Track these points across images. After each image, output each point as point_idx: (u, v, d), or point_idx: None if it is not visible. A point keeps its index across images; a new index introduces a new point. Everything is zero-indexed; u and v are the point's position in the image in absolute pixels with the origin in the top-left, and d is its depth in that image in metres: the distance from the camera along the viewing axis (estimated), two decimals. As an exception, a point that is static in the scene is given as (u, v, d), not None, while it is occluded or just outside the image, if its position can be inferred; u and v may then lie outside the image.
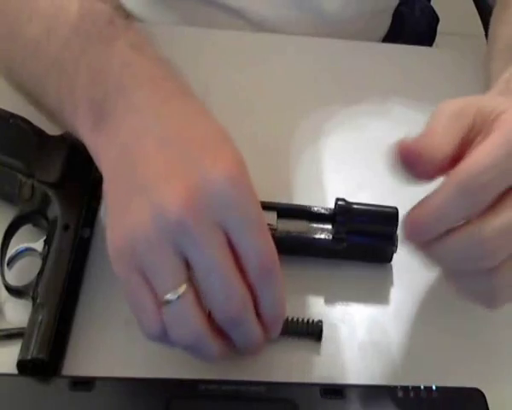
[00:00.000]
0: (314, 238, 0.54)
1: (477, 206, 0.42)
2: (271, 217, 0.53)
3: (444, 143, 0.43)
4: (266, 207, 0.53)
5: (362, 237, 0.53)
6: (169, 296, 0.41)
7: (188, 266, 0.41)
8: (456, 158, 0.43)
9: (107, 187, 0.44)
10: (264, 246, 0.42)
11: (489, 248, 0.42)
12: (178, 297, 0.41)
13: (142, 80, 0.46)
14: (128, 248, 0.41)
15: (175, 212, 0.40)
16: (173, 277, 0.41)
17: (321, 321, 0.51)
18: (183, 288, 0.41)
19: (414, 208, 0.44)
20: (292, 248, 0.54)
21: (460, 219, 0.43)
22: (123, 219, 0.42)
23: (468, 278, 0.45)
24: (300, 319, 0.51)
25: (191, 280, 0.41)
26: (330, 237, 0.53)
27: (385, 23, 0.91)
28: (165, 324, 0.42)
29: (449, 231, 0.43)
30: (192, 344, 0.43)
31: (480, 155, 0.42)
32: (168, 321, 0.42)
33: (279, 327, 0.46)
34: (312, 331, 0.51)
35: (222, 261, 0.41)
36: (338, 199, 0.54)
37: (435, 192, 0.43)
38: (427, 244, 0.44)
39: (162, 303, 0.41)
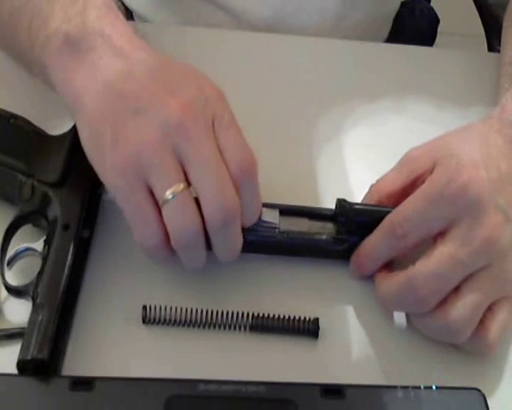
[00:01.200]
0: (315, 239, 0.54)
1: (402, 248, 0.51)
2: (273, 215, 0.52)
3: (388, 185, 0.53)
4: (268, 207, 0.53)
5: (363, 238, 0.53)
6: (169, 193, 0.44)
7: (184, 172, 0.45)
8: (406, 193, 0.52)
9: (94, 118, 0.47)
10: (246, 150, 0.48)
11: (420, 295, 0.48)
12: (178, 192, 0.44)
13: (119, 29, 0.49)
14: (133, 163, 0.45)
15: (175, 117, 0.45)
16: (173, 175, 0.45)
17: (317, 318, 0.51)
18: (181, 185, 0.45)
19: (356, 250, 0.53)
20: (293, 249, 0.54)
21: (390, 257, 0.52)
22: (122, 140, 0.45)
23: (422, 319, 0.50)
24: (297, 317, 0.51)
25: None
26: (331, 237, 0.53)
27: (386, 26, 0.91)
28: (164, 228, 0.45)
29: (387, 277, 0.51)
30: (189, 242, 0.46)
31: (403, 207, 0.50)
32: (169, 218, 0.45)
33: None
34: (309, 328, 0.51)
35: (216, 158, 0.45)
36: (339, 200, 0.54)
37: (370, 235, 0.52)
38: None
39: (163, 204, 0.44)
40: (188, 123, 0.45)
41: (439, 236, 0.49)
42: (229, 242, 0.48)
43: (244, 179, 0.46)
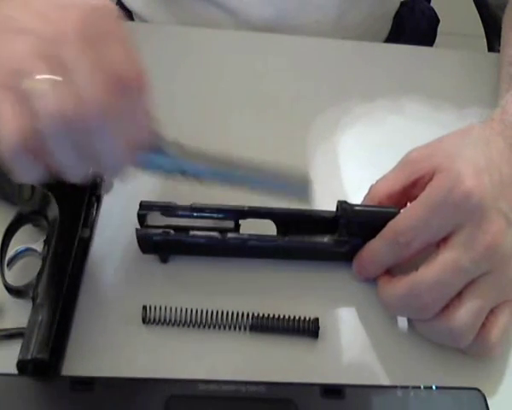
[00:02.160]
0: (316, 243, 0.54)
1: (405, 255, 0.51)
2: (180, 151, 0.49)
3: (388, 186, 0.53)
4: (265, 213, 0.53)
5: (364, 239, 0.53)
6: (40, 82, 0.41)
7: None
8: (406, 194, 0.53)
9: None
10: (133, 60, 0.44)
11: (423, 302, 0.48)
12: (52, 82, 0.41)
13: None
14: (7, 66, 0.42)
15: (52, 29, 0.42)
16: (49, 67, 0.41)
17: (317, 318, 0.51)
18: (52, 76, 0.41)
19: (359, 252, 0.54)
20: (295, 253, 0.54)
21: (392, 263, 0.52)
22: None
23: (425, 324, 0.50)
24: (297, 317, 0.51)
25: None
26: (333, 240, 0.53)
27: (386, 26, 0.91)
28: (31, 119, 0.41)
29: (390, 282, 0.51)
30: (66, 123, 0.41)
31: (405, 215, 0.50)
32: (37, 103, 0.41)
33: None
34: (309, 328, 0.51)
35: (94, 58, 0.42)
36: (340, 201, 0.54)
37: (373, 240, 0.52)
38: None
39: (30, 92, 0.41)
40: (64, 34, 0.42)
41: (441, 242, 0.49)
42: (108, 143, 0.43)
43: (127, 85, 0.42)
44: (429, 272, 0.48)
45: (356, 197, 0.55)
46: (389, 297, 0.51)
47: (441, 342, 0.50)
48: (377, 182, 0.54)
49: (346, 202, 0.53)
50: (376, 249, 0.52)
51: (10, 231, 0.52)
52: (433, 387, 0.47)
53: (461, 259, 0.47)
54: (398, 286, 0.50)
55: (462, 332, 0.48)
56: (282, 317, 0.51)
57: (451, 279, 0.47)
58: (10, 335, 0.49)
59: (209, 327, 0.51)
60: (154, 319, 0.51)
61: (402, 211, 0.51)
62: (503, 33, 0.70)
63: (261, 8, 0.77)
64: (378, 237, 0.52)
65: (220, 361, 0.50)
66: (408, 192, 0.52)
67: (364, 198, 0.55)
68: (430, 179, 0.50)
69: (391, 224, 0.51)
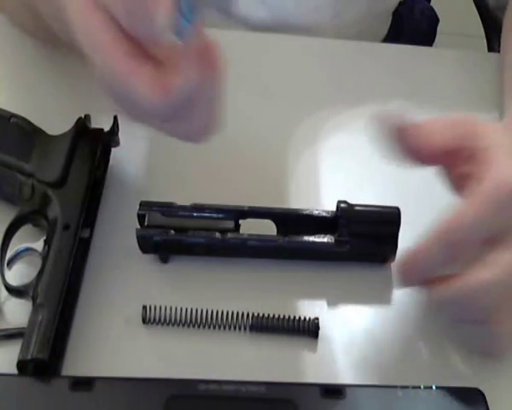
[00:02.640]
0: (317, 243, 0.54)
1: (459, 257, 0.47)
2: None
3: (438, 135, 0.49)
4: (265, 213, 0.53)
5: (364, 239, 0.53)
6: None
7: None
8: (442, 158, 0.49)
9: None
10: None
11: (482, 304, 0.46)
12: None
13: None
14: None
15: None
16: None
17: (317, 318, 0.51)
18: None
19: (404, 256, 0.49)
20: (295, 253, 0.54)
21: (445, 266, 0.48)
22: None
23: (469, 328, 0.49)
24: (297, 317, 0.51)
25: None
26: (333, 240, 0.53)
27: (384, 25, 0.91)
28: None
29: (444, 284, 0.47)
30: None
31: (464, 213, 0.47)
32: None
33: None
34: (309, 328, 0.51)
35: None
36: (339, 201, 0.54)
37: (422, 242, 0.48)
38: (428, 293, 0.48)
39: None
40: None
41: (496, 240, 0.47)
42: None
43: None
44: (491, 273, 0.46)
45: (356, 197, 0.55)
46: (443, 299, 0.48)
47: (475, 346, 0.50)
48: (424, 125, 0.50)
49: (345, 202, 0.53)
50: (428, 250, 0.49)
51: (10, 231, 0.52)
52: (433, 387, 0.47)
53: None
54: (457, 286, 0.47)
55: (508, 339, 0.47)
56: (282, 317, 0.51)
57: (511, 280, 0.46)
58: (10, 335, 0.49)
59: (209, 327, 0.51)
60: (154, 319, 0.51)
61: (454, 211, 0.48)
62: (503, 36, 0.70)
63: (256, 7, 0.77)
64: (429, 237, 0.48)
65: (220, 361, 0.50)
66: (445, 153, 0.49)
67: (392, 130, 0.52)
68: (470, 156, 0.48)
69: (444, 224, 0.48)
